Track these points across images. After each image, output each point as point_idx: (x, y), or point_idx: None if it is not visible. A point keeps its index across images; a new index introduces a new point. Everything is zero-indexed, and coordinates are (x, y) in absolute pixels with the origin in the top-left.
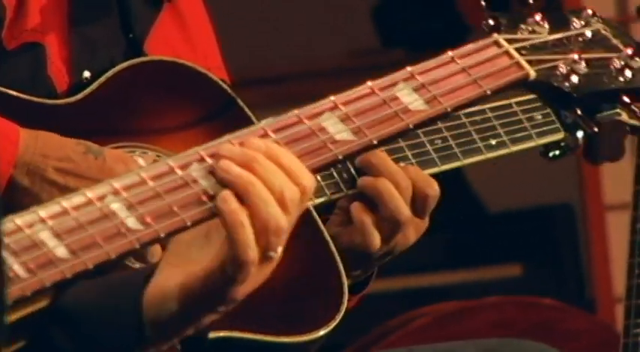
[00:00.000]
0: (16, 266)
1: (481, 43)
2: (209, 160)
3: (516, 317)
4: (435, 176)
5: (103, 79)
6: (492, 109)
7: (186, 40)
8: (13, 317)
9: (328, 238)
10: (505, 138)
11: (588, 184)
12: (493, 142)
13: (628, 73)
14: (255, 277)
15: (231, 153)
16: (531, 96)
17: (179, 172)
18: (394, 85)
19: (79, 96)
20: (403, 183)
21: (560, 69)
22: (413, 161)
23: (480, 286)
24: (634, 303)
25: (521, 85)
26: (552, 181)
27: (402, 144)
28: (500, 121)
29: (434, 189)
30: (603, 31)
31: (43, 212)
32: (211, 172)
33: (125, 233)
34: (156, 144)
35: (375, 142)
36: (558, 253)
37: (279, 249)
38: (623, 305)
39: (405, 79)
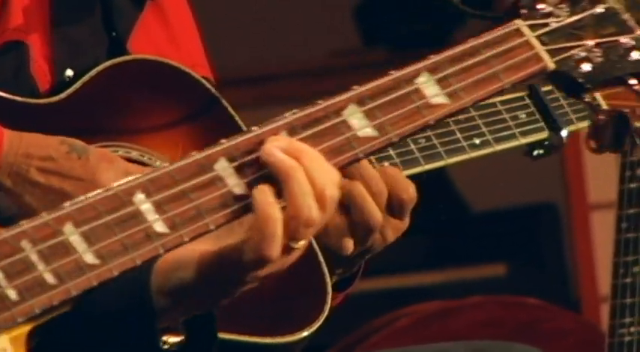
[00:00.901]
0: (46, 275)
1: (503, 31)
2: (237, 158)
3: (501, 316)
4: (418, 175)
5: (86, 78)
6: (476, 108)
7: (170, 39)
8: (37, 322)
9: (312, 240)
10: (489, 137)
11: (572, 183)
12: (477, 141)
13: (636, 55)
14: (272, 266)
15: (278, 141)
16: (515, 95)
17: (206, 171)
18: (416, 75)
19: (63, 95)
20: (376, 187)
21: (576, 57)
22: (397, 160)
23: (464, 286)
24: (619, 303)
25: (538, 75)
26: (536, 180)
27: None
28: (484, 120)
29: (409, 192)
30: (616, 6)
31: (75, 211)
32: (239, 170)
33: (152, 237)
34: (139, 143)
35: (396, 140)
36: (543, 253)
37: (302, 243)
38: (608, 305)
39: (429, 69)
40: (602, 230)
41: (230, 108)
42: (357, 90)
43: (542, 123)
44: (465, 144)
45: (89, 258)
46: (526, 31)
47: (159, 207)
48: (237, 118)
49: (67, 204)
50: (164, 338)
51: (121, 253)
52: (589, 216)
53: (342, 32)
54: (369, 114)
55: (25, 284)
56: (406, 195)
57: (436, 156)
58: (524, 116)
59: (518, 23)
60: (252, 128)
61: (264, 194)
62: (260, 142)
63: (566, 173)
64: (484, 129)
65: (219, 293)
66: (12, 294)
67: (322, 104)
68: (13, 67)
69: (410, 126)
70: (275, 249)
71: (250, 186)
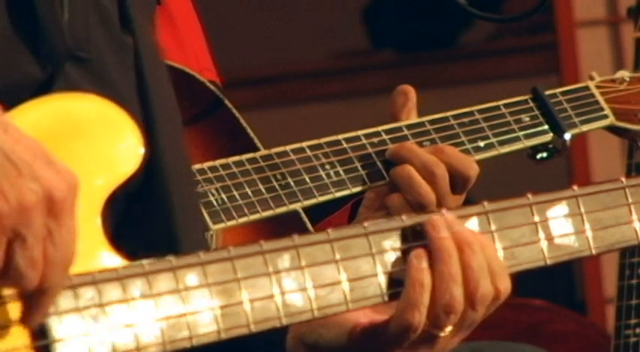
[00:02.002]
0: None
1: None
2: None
3: (506, 318)
4: None
5: None
6: (480, 111)
7: (177, 43)
8: None
9: None
10: (493, 140)
11: (579, 184)
12: (481, 144)
13: None
14: (410, 350)
15: (450, 220)
16: (519, 98)
17: (374, 250)
18: None
19: None
20: (438, 170)
21: None
22: None
23: None
24: (625, 304)
25: None
26: (543, 181)
27: (391, 146)
28: (488, 123)
29: (474, 168)
30: None
31: (205, 262)
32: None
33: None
34: None
35: (594, 253)
36: None
37: (447, 330)
38: (613, 307)
39: None
40: None
41: (234, 111)
42: (577, 190)
43: (545, 127)
44: (469, 146)
45: (208, 316)
46: None
47: (301, 279)
48: (241, 120)
49: (201, 254)
50: None
51: (242, 315)
52: None
53: (350, 34)
54: (577, 223)
55: None
56: (472, 171)
57: None
58: (527, 119)
59: None
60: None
61: (418, 258)
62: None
63: (573, 174)
64: (488, 132)
65: None
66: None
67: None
68: None
69: (616, 242)
70: (417, 315)
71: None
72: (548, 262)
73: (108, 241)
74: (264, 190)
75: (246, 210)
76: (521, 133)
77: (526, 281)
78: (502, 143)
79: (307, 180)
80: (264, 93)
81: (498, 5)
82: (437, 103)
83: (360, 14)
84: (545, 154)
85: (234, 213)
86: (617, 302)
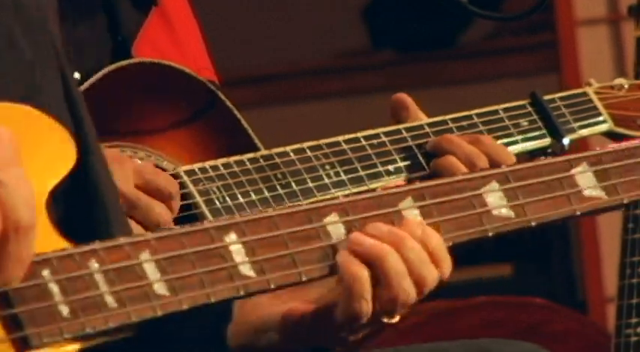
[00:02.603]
0: (107, 295)
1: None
2: (351, 215)
3: (507, 317)
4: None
5: (91, 80)
6: (479, 115)
7: (175, 43)
8: (89, 344)
9: None
10: None
11: None
12: None
13: None
14: (360, 334)
15: (379, 231)
16: (517, 102)
17: (314, 222)
18: (576, 166)
19: None
20: (480, 162)
21: None
22: (401, 164)
23: (471, 286)
24: (626, 303)
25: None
26: None
27: (390, 147)
28: (487, 127)
29: (512, 159)
30: None
31: (154, 241)
32: (348, 227)
33: (234, 277)
34: (145, 144)
35: (533, 224)
36: (549, 253)
37: (396, 319)
38: (614, 306)
39: (591, 162)
40: (609, 230)
41: (234, 109)
42: (502, 169)
43: (544, 131)
44: None
45: (159, 288)
46: None
47: (250, 250)
48: (240, 119)
49: (148, 234)
50: None
51: (195, 287)
52: (596, 217)
53: (350, 33)
54: (511, 196)
55: (82, 303)
56: (510, 161)
57: None
58: (526, 123)
59: None
60: (378, 189)
61: (345, 255)
62: (378, 206)
63: None
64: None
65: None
66: (64, 310)
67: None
68: None
69: (552, 213)
70: (364, 305)
71: None
72: (490, 234)
73: (59, 234)
74: (264, 189)
75: (247, 209)
76: (519, 137)
77: (527, 280)
78: None
79: (307, 179)
80: (264, 92)
81: (498, 4)
82: (436, 103)
83: (359, 13)
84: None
85: (235, 212)
86: (617, 301)
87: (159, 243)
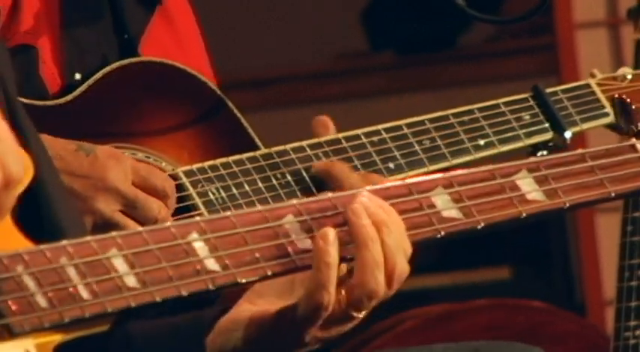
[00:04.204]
0: (80, 287)
1: (618, 145)
2: (306, 216)
3: (506, 319)
4: None
5: (92, 80)
6: (480, 109)
7: (177, 43)
8: (69, 336)
9: None
10: (493, 138)
11: None
12: (481, 142)
13: None
14: (330, 331)
15: (370, 200)
16: (519, 96)
17: (271, 222)
18: (516, 172)
19: (69, 97)
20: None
21: None
22: (401, 161)
23: (470, 289)
24: (624, 306)
25: None
26: None
27: (391, 144)
28: (489, 122)
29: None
30: None
31: (120, 239)
32: (305, 228)
33: (200, 272)
34: (145, 145)
35: (481, 225)
36: (548, 256)
37: (363, 314)
38: (612, 308)
39: (530, 168)
40: (608, 233)
41: (236, 111)
42: (448, 174)
43: (546, 125)
44: (469, 145)
45: (129, 281)
46: None
47: (213, 246)
48: (243, 121)
49: (114, 233)
50: None
51: (164, 281)
52: (594, 219)
53: (349, 35)
54: (458, 199)
55: (58, 295)
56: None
57: (440, 157)
58: (528, 117)
59: (634, 141)
60: (328, 194)
61: (324, 239)
62: (333, 207)
63: None
64: (488, 131)
65: None
66: (41, 301)
67: (410, 184)
68: (24, 71)
69: (499, 214)
70: (326, 296)
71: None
72: (442, 233)
73: (23, 235)
74: (263, 189)
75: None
76: (521, 131)
77: (526, 283)
78: (502, 141)
79: (307, 179)
80: (263, 95)
81: (498, 7)
82: (436, 105)
83: (359, 16)
84: (545, 152)
85: None
86: (616, 303)
87: (124, 240)
